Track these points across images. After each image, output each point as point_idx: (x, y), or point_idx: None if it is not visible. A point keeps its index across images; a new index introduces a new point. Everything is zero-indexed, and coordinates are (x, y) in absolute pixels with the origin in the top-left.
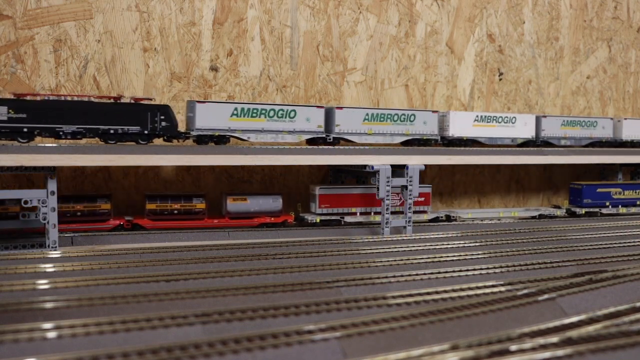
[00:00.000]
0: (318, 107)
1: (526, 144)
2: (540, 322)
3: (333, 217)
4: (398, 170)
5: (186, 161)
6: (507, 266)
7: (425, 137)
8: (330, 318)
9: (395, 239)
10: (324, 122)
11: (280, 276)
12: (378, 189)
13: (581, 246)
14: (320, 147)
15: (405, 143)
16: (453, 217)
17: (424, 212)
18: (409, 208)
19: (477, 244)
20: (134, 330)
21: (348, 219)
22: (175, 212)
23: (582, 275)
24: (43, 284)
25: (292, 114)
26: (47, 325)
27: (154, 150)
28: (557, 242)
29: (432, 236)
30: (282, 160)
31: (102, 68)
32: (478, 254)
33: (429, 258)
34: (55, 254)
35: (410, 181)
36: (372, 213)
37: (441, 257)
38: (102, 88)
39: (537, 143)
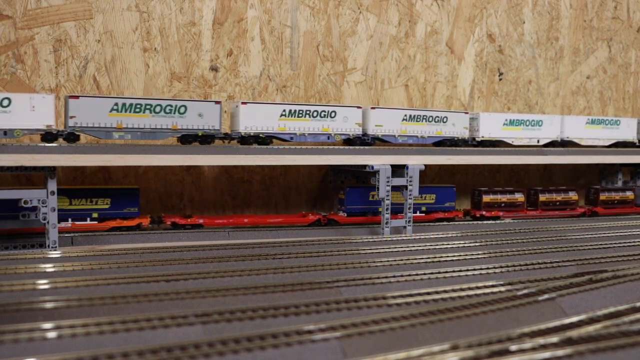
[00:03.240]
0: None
1: None
2: (540, 322)
3: None
4: (398, 170)
5: (186, 161)
6: (507, 266)
7: None
8: (330, 318)
9: (395, 239)
10: None
11: (280, 276)
12: (378, 189)
13: (581, 246)
14: (320, 147)
15: None
16: None
17: None
18: (409, 208)
19: (477, 244)
20: (134, 330)
21: None
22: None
23: (582, 275)
24: (43, 284)
25: None
26: (47, 325)
27: (154, 150)
28: (557, 242)
29: (432, 236)
30: (282, 160)
31: (102, 68)
32: (478, 254)
33: (429, 258)
34: (55, 254)
35: (410, 181)
36: None
37: (441, 257)
38: (102, 88)
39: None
